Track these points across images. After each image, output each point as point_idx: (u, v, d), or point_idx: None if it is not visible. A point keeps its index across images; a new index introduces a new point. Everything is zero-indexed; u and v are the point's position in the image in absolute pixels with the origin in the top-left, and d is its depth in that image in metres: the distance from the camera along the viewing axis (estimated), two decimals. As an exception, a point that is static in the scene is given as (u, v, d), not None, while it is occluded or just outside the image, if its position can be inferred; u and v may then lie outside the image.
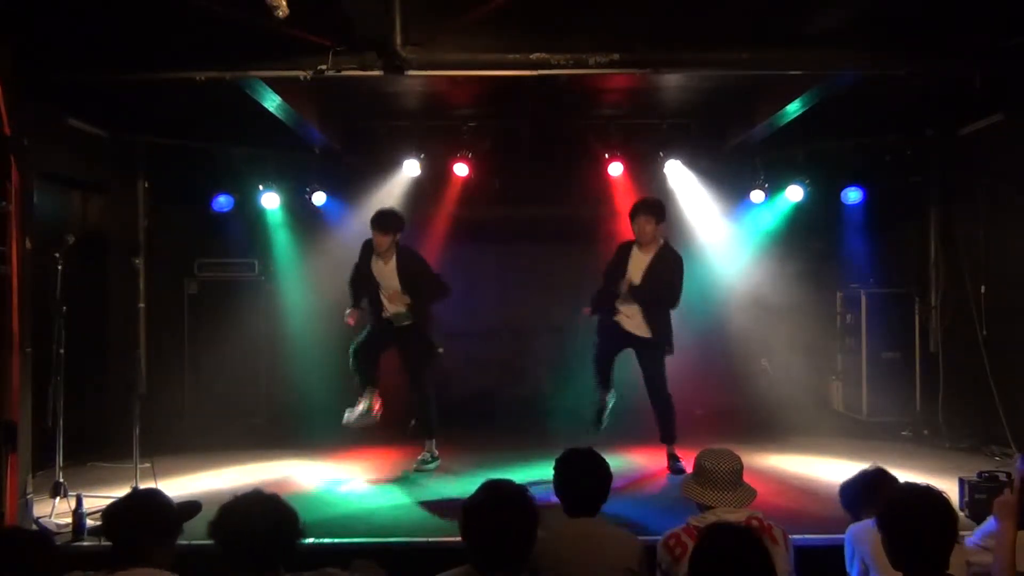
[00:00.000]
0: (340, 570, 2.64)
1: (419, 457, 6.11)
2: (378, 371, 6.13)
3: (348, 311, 6.16)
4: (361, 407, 6.03)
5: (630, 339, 5.95)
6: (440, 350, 6.12)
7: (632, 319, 5.90)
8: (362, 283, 6.15)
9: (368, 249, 6.14)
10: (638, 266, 5.89)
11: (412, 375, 6.15)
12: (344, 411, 6.05)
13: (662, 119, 7.76)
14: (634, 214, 5.90)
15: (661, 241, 5.94)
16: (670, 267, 5.87)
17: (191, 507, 2.92)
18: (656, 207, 5.95)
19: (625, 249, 6.01)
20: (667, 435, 6.01)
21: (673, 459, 5.98)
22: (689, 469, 5.86)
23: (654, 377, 5.91)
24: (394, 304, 6.02)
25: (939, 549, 2.41)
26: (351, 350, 6.09)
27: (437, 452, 6.17)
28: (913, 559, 2.42)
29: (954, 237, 7.38)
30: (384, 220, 6.00)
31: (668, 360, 5.98)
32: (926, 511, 2.43)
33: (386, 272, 6.03)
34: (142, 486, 4.91)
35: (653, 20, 4.95)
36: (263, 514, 2.49)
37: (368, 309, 6.16)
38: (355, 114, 7.71)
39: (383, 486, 5.77)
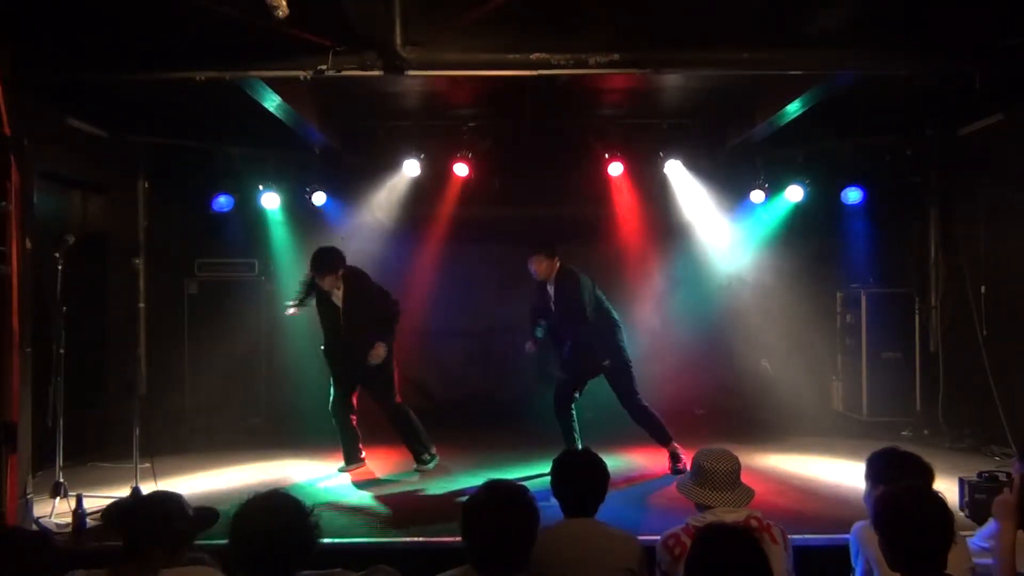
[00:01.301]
0: (350, 572, 2.63)
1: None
2: (360, 443, 6.20)
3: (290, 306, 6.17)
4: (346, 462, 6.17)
5: (567, 364, 6.11)
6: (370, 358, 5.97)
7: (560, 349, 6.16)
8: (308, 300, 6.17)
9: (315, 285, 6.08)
10: (550, 297, 6.16)
11: (378, 396, 6.13)
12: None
13: (662, 119, 7.76)
14: (529, 255, 6.09)
15: (557, 265, 6.13)
16: (566, 287, 6.07)
17: (207, 518, 2.86)
18: (539, 246, 6.12)
19: (540, 286, 6.20)
20: (659, 438, 6.09)
21: (673, 458, 6.02)
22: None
23: (619, 395, 6.07)
24: (336, 330, 6.03)
25: (936, 549, 2.41)
26: (331, 409, 6.10)
27: (435, 450, 6.17)
28: (910, 560, 2.42)
29: (954, 237, 7.39)
30: (316, 262, 5.94)
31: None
32: (922, 511, 2.43)
33: (337, 301, 6.03)
34: (146, 487, 4.91)
35: (653, 20, 4.95)
36: (281, 514, 2.47)
37: (327, 339, 6.13)
38: (355, 114, 7.71)
39: (383, 486, 5.77)
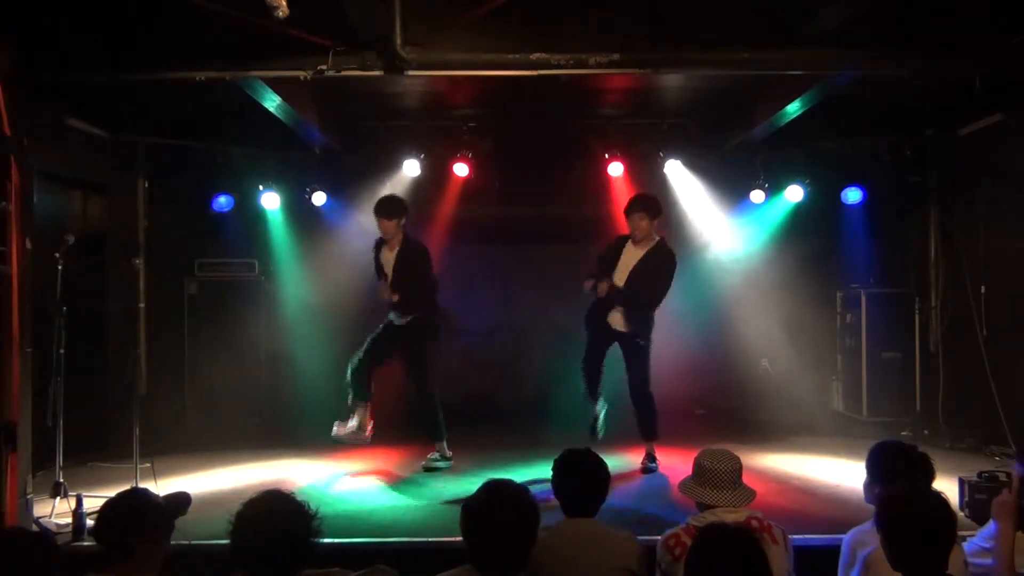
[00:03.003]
0: (348, 571, 2.64)
1: (429, 455, 6.12)
2: (371, 386, 6.10)
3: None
4: (353, 423, 6.06)
5: (614, 335, 5.99)
6: (433, 342, 6.04)
7: (615, 314, 5.94)
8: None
9: (379, 245, 6.18)
10: (629, 261, 5.93)
11: (412, 377, 6.10)
12: (335, 422, 6.09)
13: (662, 119, 7.76)
14: (629, 211, 5.92)
15: (656, 238, 5.95)
16: (658, 265, 5.88)
17: (180, 503, 2.93)
18: (650, 203, 5.94)
19: (620, 242, 6.05)
20: (647, 432, 6.08)
21: (649, 457, 6.06)
22: (663, 470, 5.91)
23: (634, 374, 5.97)
24: (393, 297, 6.01)
25: (938, 550, 2.41)
26: (350, 362, 6.05)
27: (450, 453, 6.16)
28: (912, 560, 2.42)
29: (954, 237, 7.38)
30: (384, 205, 6.02)
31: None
32: (925, 512, 2.43)
33: (390, 261, 6.07)
34: (141, 486, 4.92)
35: (653, 20, 4.96)
36: (283, 514, 2.48)
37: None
38: (355, 114, 7.71)
39: (383, 486, 5.77)
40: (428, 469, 6.03)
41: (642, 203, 5.92)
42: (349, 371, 6.05)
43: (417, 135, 7.83)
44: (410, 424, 6.43)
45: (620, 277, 5.90)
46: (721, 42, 5.03)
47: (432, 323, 6.12)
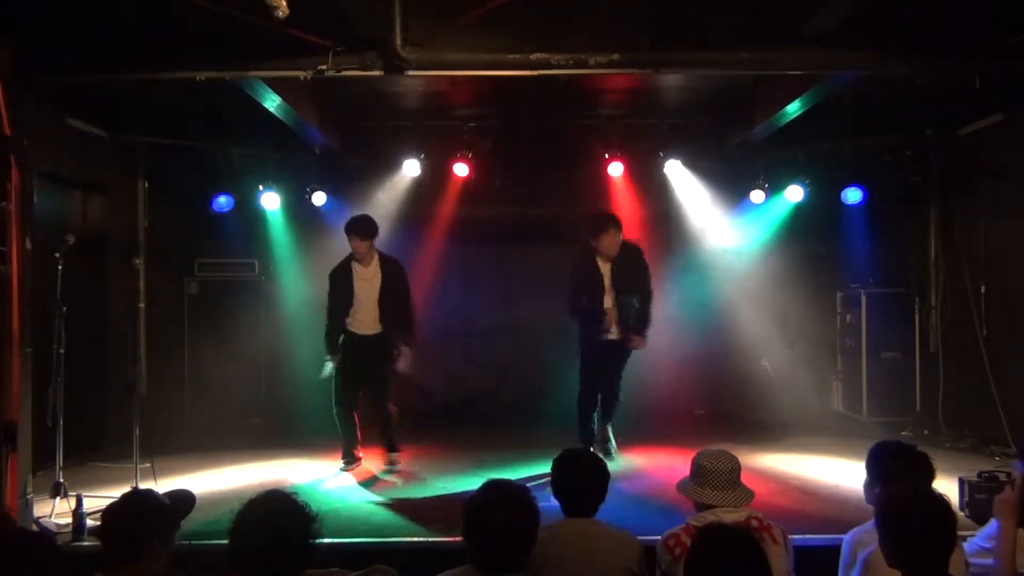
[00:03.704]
0: (348, 571, 2.63)
1: (391, 456, 6.21)
2: (359, 427, 6.17)
3: (328, 362, 6.08)
4: (346, 458, 6.19)
5: (616, 344, 6.08)
6: (399, 366, 6.04)
7: (612, 328, 6.04)
8: (340, 316, 6.08)
9: (342, 272, 6.07)
10: (606, 272, 6.03)
11: (375, 392, 6.14)
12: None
13: (662, 119, 7.77)
14: (604, 229, 5.93)
15: None
16: (635, 258, 6.06)
17: (184, 504, 2.93)
18: (617, 219, 6.08)
19: (589, 264, 6.06)
20: (609, 415, 6.31)
21: (605, 439, 6.28)
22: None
23: (619, 373, 6.19)
24: (366, 316, 6.00)
25: (939, 551, 2.41)
26: (334, 404, 6.09)
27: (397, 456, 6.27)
28: (913, 560, 2.42)
29: (954, 237, 7.39)
30: (362, 226, 5.97)
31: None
32: (926, 513, 2.43)
33: (370, 277, 6.00)
34: (142, 486, 4.92)
35: (653, 20, 4.96)
36: (283, 516, 2.47)
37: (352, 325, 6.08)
38: (355, 114, 7.71)
39: (384, 486, 5.77)
40: (391, 470, 6.12)
41: (615, 219, 6.04)
42: (336, 417, 6.10)
43: (417, 135, 7.83)
44: (409, 424, 6.46)
45: (608, 291, 5.99)
46: (721, 42, 5.03)
47: (401, 337, 6.11)
